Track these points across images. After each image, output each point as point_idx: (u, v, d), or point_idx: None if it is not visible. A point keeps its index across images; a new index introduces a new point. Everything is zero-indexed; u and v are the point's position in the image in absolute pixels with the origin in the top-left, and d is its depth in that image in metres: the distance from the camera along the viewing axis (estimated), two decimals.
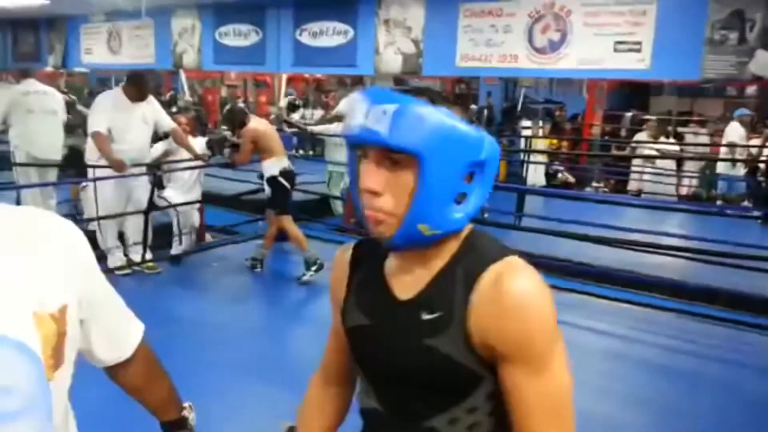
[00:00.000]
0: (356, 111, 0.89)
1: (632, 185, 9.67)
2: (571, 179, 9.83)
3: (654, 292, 4.65)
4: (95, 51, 8.51)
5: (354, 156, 0.95)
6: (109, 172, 4.71)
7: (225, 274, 5.15)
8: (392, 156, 0.88)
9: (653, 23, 4.56)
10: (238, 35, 6.95)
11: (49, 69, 9.24)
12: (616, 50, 4.71)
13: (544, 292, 0.89)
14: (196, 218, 5.74)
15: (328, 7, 6.17)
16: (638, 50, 4.62)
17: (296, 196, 5.58)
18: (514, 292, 0.87)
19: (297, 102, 11.32)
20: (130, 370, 1.13)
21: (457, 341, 0.90)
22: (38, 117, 5.39)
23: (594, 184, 9.92)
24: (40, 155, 5.42)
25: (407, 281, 0.97)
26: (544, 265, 4.92)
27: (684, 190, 9.47)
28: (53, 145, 5.50)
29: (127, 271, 4.97)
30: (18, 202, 5.67)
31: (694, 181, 9.59)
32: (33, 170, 5.51)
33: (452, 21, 5.43)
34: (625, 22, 4.66)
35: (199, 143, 5.63)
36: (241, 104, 5.08)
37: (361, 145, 0.91)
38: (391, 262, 1.01)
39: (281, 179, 4.96)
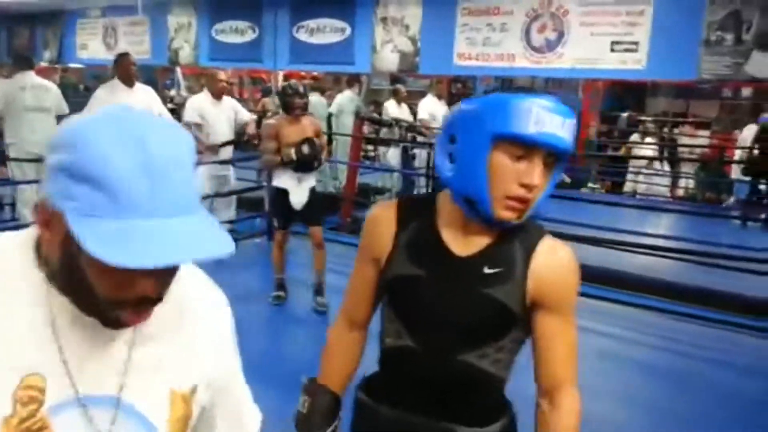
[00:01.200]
0: (551, 120, 1.04)
1: (628, 186, 9.70)
2: (567, 180, 9.84)
3: (646, 293, 4.65)
4: (90, 46, 8.48)
5: (488, 146, 1.07)
6: None
7: (226, 272, 5.12)
8: (551, 159, 1.09)
9: (650, 23, 4.57)
10: (234, 32, 6.93)
11: (43, 64, 9.19)
12: (612, 50, 4.72)
13: (577, 261, 1.18)
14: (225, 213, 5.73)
15: (325, 4, 6.16)
16: (635, 50, 4.63)
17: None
18: (566, 259, 1.16)
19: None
20: None
21: (514, 292, 1.14)
22: (34, 114, 5.32)
23: (590, 185, 9.94)
24: (36, 151, 5.35)
25: (465, 242, 1.17)
26: None
27: (680, 192, 9.50)
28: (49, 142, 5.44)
29: None
30: (14, 198, 5.65)
31: (691, 183, 9.63)
32: (28, 166, 5.45)
33: (450, 19, 5.43)
34: (621, 22, 4.67)
35: (232, 102, 5.63)
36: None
37: (539, 147, 1.06)
38: (446, 225, 1.18)
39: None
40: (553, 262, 1.15)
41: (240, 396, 1.01)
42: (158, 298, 0.76)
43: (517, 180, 1.07)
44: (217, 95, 5.34)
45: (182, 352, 0.87)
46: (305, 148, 4.15)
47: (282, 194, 4.31)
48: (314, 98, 7.81)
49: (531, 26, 5.04)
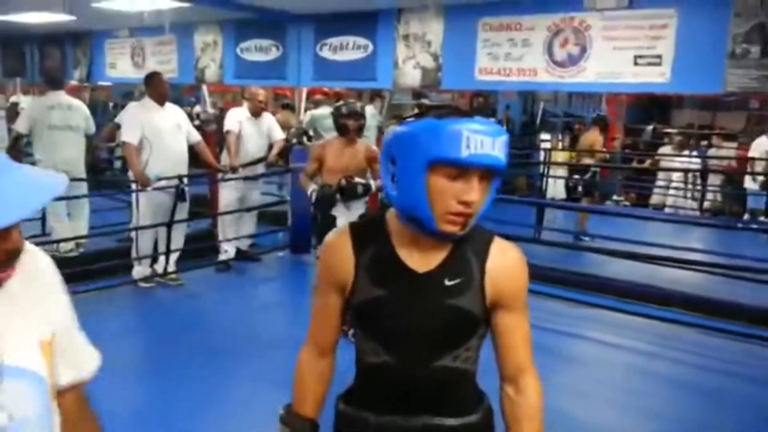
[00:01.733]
0: (481, 141, 1.10)
1: (655, 199, 9.58)
2: None
3: (675, 307, 4.58)
4: (119, 65, 8.67)
5: (425, 169, 1.12)
6: (164, 183, 4.85)
7: (248, 285, 5.16)
8: (487, 173, 1.14)
9: (674, 37, 4.54)
10: (259, 50, 7.04)
11: (74, 83, 9.41)
12: (636, 64, 4.69)
13: (524, 259, 1.27)
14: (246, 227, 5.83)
15: (348, 21, 6.23)
16: (658, 64, 4.60)
17: None
18: (516, 259, 1.26)
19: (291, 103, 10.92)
20: (71, 397, 1.07)
21: (476, 298, 1.22)
22: (60, 132, 5.43)
23: (614, 197, 9.84)
24: (63, 168, 5.45)
25: (421, 257, 1.23)
26: (565, 279, 4.90)
27: (706, 204, 9.35)
28: (76, 161, 5.54)
29: (151, 284, 5.00)
30: (43, 217, 5.75)
31: (718, 195, 9.47)
32: None
33: (471, 35, 5.45)
34: (645, 35, 4.64)
35: (270, 120, 5.77)
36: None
37: (477, 168, 1.12)
38: (401, 243, 1.24)
39: None
40: (505, 264, 1.24)
41: (78, 341, 1.09)
42: (21, 249, 0.84)
43: (455, 198, 1.13)
44: (256, 113, 5.58)
45: (36, 305, 0.94)
46: (339, 190, 3.81)
47: (329, 220, 3.88)
48: None
49: (553, 41, 5.04)
